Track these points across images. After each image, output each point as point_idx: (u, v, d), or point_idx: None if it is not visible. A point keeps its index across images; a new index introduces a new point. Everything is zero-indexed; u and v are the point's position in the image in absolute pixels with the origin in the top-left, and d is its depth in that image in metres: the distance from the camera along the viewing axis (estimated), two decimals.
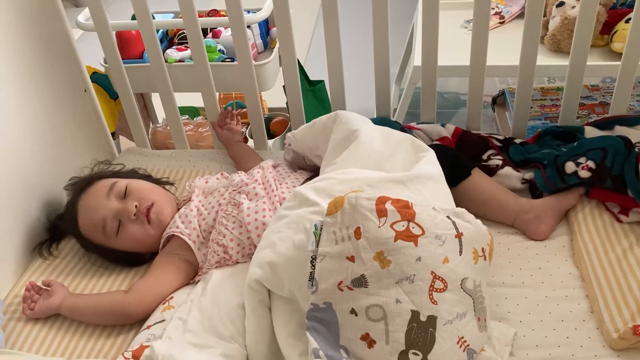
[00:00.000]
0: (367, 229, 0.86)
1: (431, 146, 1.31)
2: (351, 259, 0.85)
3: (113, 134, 1.68)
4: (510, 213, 1.21)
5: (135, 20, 1.39)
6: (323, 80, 1.73)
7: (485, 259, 0.94)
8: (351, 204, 0.87)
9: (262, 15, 1.45)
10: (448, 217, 0.91)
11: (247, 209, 1.10)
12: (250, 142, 1.64)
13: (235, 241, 1.09)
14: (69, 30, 1.41)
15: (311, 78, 1.76)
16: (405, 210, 0.88)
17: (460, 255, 0.89)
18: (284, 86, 1.67)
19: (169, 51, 1.57)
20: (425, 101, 1.42)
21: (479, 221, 0.96)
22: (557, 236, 1.20)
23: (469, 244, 0.91)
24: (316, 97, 1.71)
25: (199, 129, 1.75)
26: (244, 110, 1.93)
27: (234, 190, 1.16)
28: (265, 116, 1.83)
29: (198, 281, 1.11)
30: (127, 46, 1.58)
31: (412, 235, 0.86)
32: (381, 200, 0.88)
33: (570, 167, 1.20)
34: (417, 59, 1.51)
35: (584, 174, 1.18)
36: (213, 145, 1.61)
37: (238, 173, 1.22)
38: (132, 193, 1.16)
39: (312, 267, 0.85)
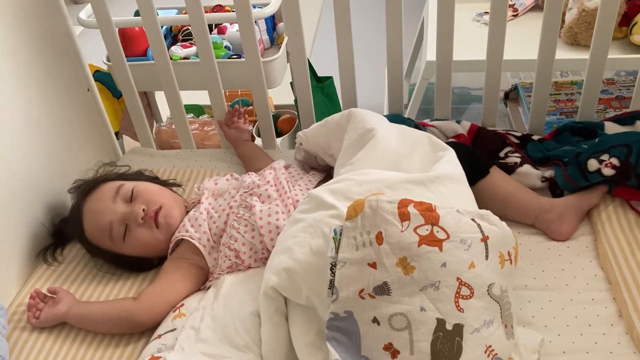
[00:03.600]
0: (390, 234, 0.81)
1: (448, 143, 1.27)
2: (373, 265, 0.81)
3: (117, 134, 1.64)
4: (531, 213, 1.17)
5: (139, 17, 1.34)
6: (331, 77, 1.69)
7: (511, 262, 0.90)
8: (372, 208, 0.83)
9: (270, 10, 1.40)
10: (473, 219, 0.87)
11: (260, 211, 1.06)
12: (258, 141, 1.60)
13: (247, 245, 1.05)
14: (70, 27, 1.37)
15: (319, 74, 1.72)
16: (429, 214, 0.83)
17: (486, 260, 0.85)
18: (291, 83, 1.63)
19: (173, 48, 1.52)
20: (439, 97, 1.38)
21: (504, 223, 0.91)
22: (580, 236, 1.16)
23: (495, 247, 0.87)
24: (324, 94, 1.66)
25: (205, 128, 1.71)
26: (250, 107, 1.89)
27: (245, 192, 1.12)
28: (272, 114, 1.78)
29: (209, 287, 1.07)
30: (131, 43, 1.54)
31: (436, 240, 0.82)
32: (403, 203, 0.83)
33: (593, 164, 1.16)
34: (429, 54, 1.47)
35: (607, 171, 1.14)
36: (219, 144, 1.57)
37: (249, 174, 1.18)
38: (139, 196, 1.12)
39: (332, 275, 0.81)
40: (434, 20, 1.58)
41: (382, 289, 0.81)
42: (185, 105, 1.51)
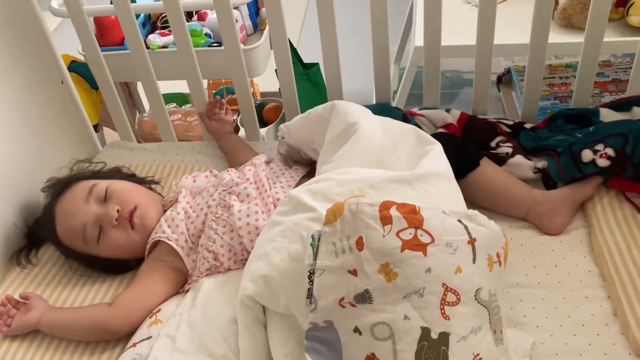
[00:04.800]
0: (371, 239, 0.77)
1: (436, 135, 1.22)
2: (353, 272, 0.77)
3: (96, 127, 1.58)
4: (523, 206, 1.12)
5: (112, 5, 1.28)
6: (317, 63, 1.63)
7: (500, 264, 0.85)
8: (352, 211, 0.78)
9: None
10: (459, 221, 0.82)
11: (238, 212, 1.01)
12: (242, 132, 1.55)
13: (226, 247, 1.01)
14: (40, 15, 1.30)
15: (305, 61, 1.66)
16: (412, 216, 0.79)
17: (473, 263, 0.81)
18: (276, 70, 1.57)
19: (151, 36, 1.46)
20: (428, 85, 1.32)
21: (492, 223, 0.87)
22: (574, 230, 1.11)
23: (483, 249, 0.82)
24: (310, 82, 1.61)
25: (188, 118, 1.66)
26: (235, 96, 1.83)
27: (223, 190, 1.07)
28: (258, 102, 1.73)
29: (188, 290, 1.03)
30: (107, 32, 1.48)
31: (420, 244, 0.78)
32: (385, 206, 0.79)
33: (587, 155, 1.11)
34: (418, 39, 1.41)
35: (602, 162, 1.09)
36: (202, 136, 1.52)
37: (228, 171, 1.13)
38: (113, 196, 1.07)
39: (310, 283, 0.77)
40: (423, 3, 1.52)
41: (364, 297, 0.76)
42: (167, 94, 1.45)
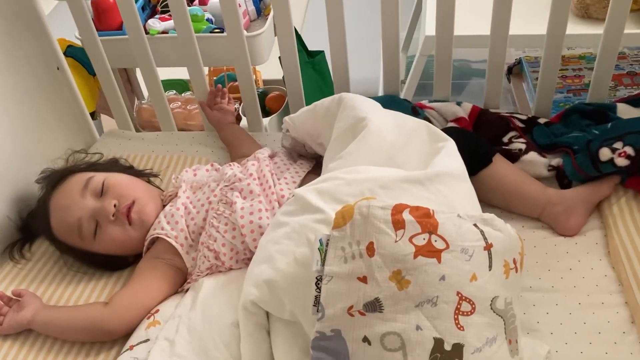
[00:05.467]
0: (382, 244, 0.72)
1: (448, 129, 1.17)
2: (363, 279, 0.72)
3: (93, 114, 1.53)
4: (537, 205, 1.08)
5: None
6: (323, 51, 1.58)
7: (516, 271, 0.81)
8: (362, 215, 0.74)
9: None
10: (475, 225, 0.78)
11: (241, 209, 0.96)
12: (244, 121, 1.50)
13: (227, 246, 0.96)
14: None
15: (310, 48, 1.60)
16: (426, 220, 0.74)
17: (489, 270, 0.76)
18: (280, 57, 1.52)
19: (150, 21, 1.41)
20: (438, 76, 1.27)
21: (508, 226, 0.83)
22: (589, 231, 1.07)
23: (499, 255, 0.78)
24: (316, 70, 1.55)
25: (188, 106, 1.60)
26: (237, 83, 1.77)
27: (225, 185, 1.02)
28: (260, 90, 1.68)
29: (187, 289, 0.98)
30: (105, 16, 1.42)
31: (434, 250, 0.73)
32: (398, 209, 0.74)
33: (605, 153, 1.06)
34: (428, 28, 1.35)
35: (621, 162, 1.05)
36: (203, 125, 1.47)
37: (230, 165, 1.08)
38: (110, 189, 1.03)
39: (318, 290, 0.73)
40: None
41: (374, 306, 0.72)
42: (167, 80, 1.40)
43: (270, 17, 1.43)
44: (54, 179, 1.07)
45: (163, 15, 1.44)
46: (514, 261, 0.81)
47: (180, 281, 1.00)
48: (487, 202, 1.11)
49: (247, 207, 0.97)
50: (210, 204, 1.01)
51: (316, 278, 0.73)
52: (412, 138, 0.95)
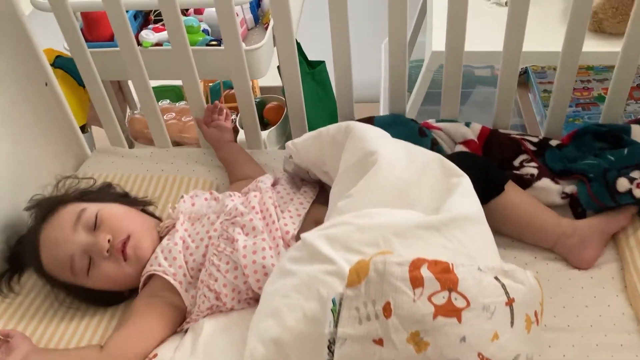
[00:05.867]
0: (399, 304, 0.68)
1: (457, 154, 1.14)
2: (379, 342, 0.68)
3: (83, 127, 1.47)
4: (550, 236, 1.04)
5: None
6: (324, 62, 1.51)
7: (537, 323, 0.77)
8: (378, 272, 0.69)
9: None
10: (496, 278, 0.73)
11: (244, 247, 0.91)
12: (241, 134, 1.44)
13: (229, 286, 0.91)
14: (20, 10, 1.16)
15: (308, 58, 1.54)
16: (446, 277, 0.70)
17: (511, 327, 0.72)
18: (278, 67, 1.46)
19: (144, 33, 1.34)
20: (447, 95, 1.21)
21: (529, 275, 0.78)
22: (604, 264, 1.03)
23: (521, 310, 0.74)
24: (316, 81, 1.49)
25: (182, 118, 1.54)
26: (233, 91, 1.71)
27: (226, 219, 0.97)
28: (258, 100, 1.62)
29: (187, 329, 0.94)
30: (95, 26, 1.35)
31: (454, 310, 0.69)
32: (416, 265, 0.69)
33: (623, 184, 1.02)
34: (435, 43, 1.29)
35: None
36: (197, 138, 1.41)
37: (231, 196, 1.02)
38: (103, 223, 0.97)
39: (330, 354, 0.68)
40: (440, 2, 1.41)
41: None
42: (159, 87, 1.34)
43: (269, 29, 1.36)
44: (44, 210, 1.01)
45: (157, 26, 1.37)
46: (535, 313, 0.77)
47: (179, 320, 0.95)
48: (499, 231, 1.07)
49: (249, 246, 0.91)
50: (210, 239, 0.96)
51: (328, 341, 0.68)
52: (425, 173, 0.90)
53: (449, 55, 1.16)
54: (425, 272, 0.69)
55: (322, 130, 1.01)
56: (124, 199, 1.08)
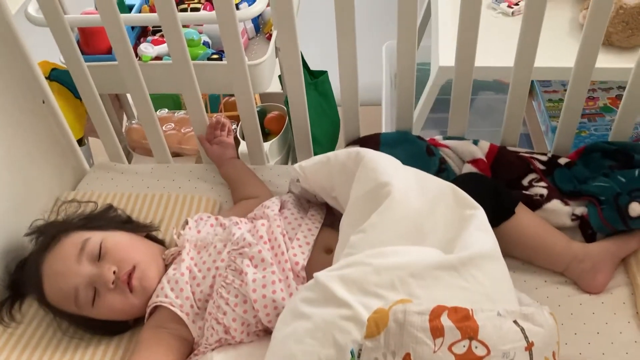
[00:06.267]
0: (420, 355, 0.66)
1: (467, 176, 1.12)
2: None
3: (81, 140, 1.43)
4: (561, 261, 1.03)
5: (99, 14, 1.11)
6: (326, 71, 1.48)
7: None
8: (398, 322, 0.67)
9: (258, 8, 1.18)
10: (516, 322, 0.72)
11: (253, 281, 0.89)
12: (243, 146, 1.41)
13: (239, 321, 0.90)
14: (13, 26, 1.12)
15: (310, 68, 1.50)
16: (466, 325, 0.68)
17: None
18: (279, 76, 1.43)
19: (143, 46, 1.30)
20: (455, 111, 1.19)
21: (548, 316, 0.77)
22: (615, 288, 1.02)
23: (539, 353, 0.73)
24: (318, 91, 1.46)
25: (182, 129, 1.51)
26: (234, 98, 1.68)
27: (234, 249, 0.95)
28: (259, 109, 1.59)
29: None
30: (92, 39, 1.31)
31: (475, 358, 0.67)
32: (436, 314, 0.68)
33: (635, 209, 1.01)
34: (443, 58, 1.27)
35: None
36: (197, 148, 1.38)
37: (238, 224, 1.00)
38: (108, 253, 0.95)
39: None
40: (446, 15, 1.38)
41: None
42: (157, 95, 1.30)
43: (272, 41, 1.33)
44: (46, 239, 0.98)
45: (156, 37, 1.33)
46: (553, 354, 0.76)
47: (187, 352, 0.94)
48: (509, 254, 1.06)
49: (259, 279, 0.90)
50: (217, 270, 0.94)
51: None
52: (438, 203, 0.88)
53: (459, 71, 1.14)
54: (445, 320, 0.68)
55: (331, 155, 0.99)
56: (127, 225, 1.05)
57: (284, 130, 1.50)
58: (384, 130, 1.85)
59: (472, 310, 0.70)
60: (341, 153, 0.97)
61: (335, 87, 1.39)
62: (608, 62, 1.23)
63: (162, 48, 1.31)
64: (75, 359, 0.97)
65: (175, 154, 1.50)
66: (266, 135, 1.55)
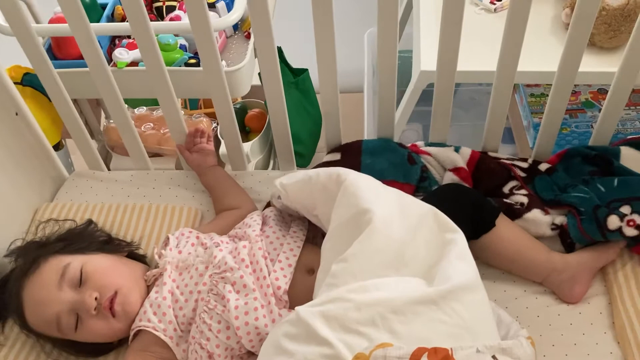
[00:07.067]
0: None
1: (448, 187, 1.12)
2: None
3: (57, 145, 1.41)
4: (541, 272, 1.04)
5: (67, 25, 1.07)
6: (307, 70, 1.46)
7: None
8: None
9: (234, 17, 1.14)
10: (494, 357, 0.73)
11: (235, 308, 0.90)
12: (223, 147, 1.39)
13: (222, 347, 0.90)
14: None
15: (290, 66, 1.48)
16: None
17: None
18: (259, 73, 1.40)
19: (117, 52, 1.26)
20: (437, 117, 1.18)
21: (524, 344, 0.79)
22: (593, 297, 1.04)
23: None
24: (299, 90, 1.44)
25: (161, 130, 1.48)
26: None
27: (216, 272, 0.95)
28: (238, 106, 1.56)
29: None
30: (64, 44, 1.27)
31: None
32: (416, 356, 0.69)
33: (613, 222, 1.02)
34: (424, 62, 1.25)
35: (630, 232, 1.01)
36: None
37: (219, 246, 0.99)
38: (89, 279, 0.94)
39: None
40: (428, 17, 1.35)
41: None
42: None
43: (250, 45, 1.30)
44: (25, 265, 0.97)
45: (131, 41, 1.29)
46: None
47: None
48: (489, 264, 1.07)
49: (241, 306, 0.90)
50: (199, 293, 0.94)
51: None
52: (419, 228, 0.88)
53: (440, 76, 1.12)
54: None
55: (312, 175, 0.98)
56: (108, 245, 1.04)
57: (265, 128, 1.48)
58: (365, 120, 1.85)
59: (451, 349, 0.71)
60: (322, 173, 0.96)
61: (315, 81, 1.35)
62: (590, 63, 1.22)
63: (138, 53, 1.27)
64: None
65: (155, 154, 1.48)
66: (247, 134, 1.53)
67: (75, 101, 1.36)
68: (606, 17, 1.19)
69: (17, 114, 1.17)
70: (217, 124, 1.51)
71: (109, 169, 1.34)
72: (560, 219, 1.09)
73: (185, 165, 1.28)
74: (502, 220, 1.05)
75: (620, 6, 1.19)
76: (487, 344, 0.74)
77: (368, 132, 1.73)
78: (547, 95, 1.15)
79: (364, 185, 0.90)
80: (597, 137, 1.19)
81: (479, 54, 1.20)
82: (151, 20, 1.07)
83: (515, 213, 1.09)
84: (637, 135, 1.21)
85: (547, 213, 1.10)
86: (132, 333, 0.96)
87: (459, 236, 0.87)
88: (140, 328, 0.94)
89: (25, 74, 1.33)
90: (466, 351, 0.72)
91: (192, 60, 1.26)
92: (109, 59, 1.30)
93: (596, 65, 1.23)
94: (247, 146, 1.42)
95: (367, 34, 1.87)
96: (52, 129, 1.36)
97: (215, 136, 1.49)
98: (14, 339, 1.03)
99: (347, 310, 0.76)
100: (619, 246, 1.04)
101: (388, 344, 0.71)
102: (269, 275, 0.94)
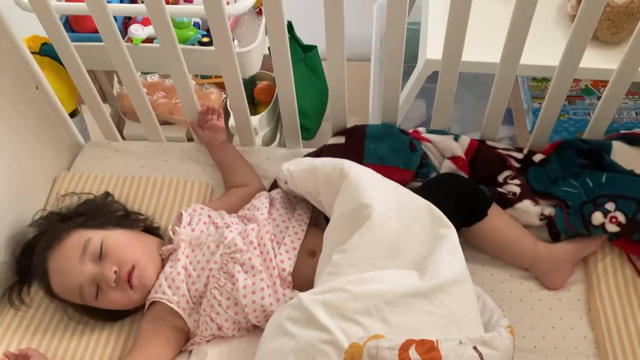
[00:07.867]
0: None
1: (445, 176, 1.18)
2: None
3: (73, 113, 1.46)
4: (526, 260, 1.12)
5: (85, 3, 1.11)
6: (316, 46, 1.49)
7: None
8: (371, 356, 0.77)
9: (248, 3, 1.18)
10: (475, 348, 0.82)
11: (244, 287, 0.98)
12: (232, 119, 1.44)
13: (230, 321, 1.00)
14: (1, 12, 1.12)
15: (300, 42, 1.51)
16: (431, 356, 0.78)
17: None
18: (269, 47, 1.44)
19: (133, 28, 1.30)
20: (440, 105, 1.23)
21: (503, 334, 0.87)
22: (573, 284, 1.13)
23: None
24: (307, 66, 1.48)
25: (173, 100, 1.53)
26: None
27: (226, 252, 1.03)
28: (248, 79, 1.60)
29: (191, 351, 1.03)
30: (82, 18, 1.31)
31: None
32: (404, 348, 0.77)
33: (597, 218, 1.09)
34: (430, 51, 1.28)
35: (612, 228, 1.08)
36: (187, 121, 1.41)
37: (229, 227, 1.07)
38: (109, 254, 1.02)
39: None
40: (436, 2, 1.37)
41: None
42: None
43: (262, 26, 1.33)
44: (49, 238, 1.05)
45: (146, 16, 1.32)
46: None
47: (183, 341, 1.04)
48: (479, 249, 1.15)
49: (249, 286, 0.98)
50: (210, 271, 1.02)
51: None
52: (414, 222, 0.95)
53: (445, 66, 1.15)
54: (413, 354, 0.78)
55: (317, 165, 1.04)
56: (125, 220, 1.12)
57: (273, 102, 1.53)
58: (371, 90, 1.88)
59: (437, 341, 0.79)
60: (327, 164, 1.03)
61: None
62: (593, 56, 1.25)
63: (153, 29, 1.30)
64: (82, 344, 1.07)
65: (166, 123, 1.53)
66: (255, 106, 1.58)
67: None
68: (610, 13, 1.22)
69: (37, 88, 1.22)
70: (225, 96, 1.56)
71: (121, 134, 1.40)
72: (548, 210, 1.16)
73: (196, 138, 1.34)
74: (494, 210, 1.12)
75: (624, 3, 1.21)
76: (470, 336, 0.82)
77: (373, 102, 1.77)
78: (549, 80, 1.19)
79: (365, 180, 0.97)
80: (594, 127, 1.24)
81: (484, 45, 1.22)
82: (166, 3, 1.11)
83: (507, 202, 1.16)
84: (630, 131, 1.25)
85: (537, 204, 1.17)
86: (147, 303, 1.05)
87: (451, 232, 0.95)
88: (156, 299, 1.03)
89: (43, 44, 1.37)
90: (450, 343, 0.80)
91: (205, 39, 1.30)
92: (124, 33, 1.33)
93: (596, 58, 1.27)
94: (255, 119, 1.48)
95: (375, 6, 1.88)
96: (69, 98, 1.41)
97: (225, 107, 1.54)
98: (38, 301, 1.12)
99: (345, 300, 0.84)
100: (601, 239, 1.11)
101: (380, 335, 0.79)
102: (275, 258, 1.02)
